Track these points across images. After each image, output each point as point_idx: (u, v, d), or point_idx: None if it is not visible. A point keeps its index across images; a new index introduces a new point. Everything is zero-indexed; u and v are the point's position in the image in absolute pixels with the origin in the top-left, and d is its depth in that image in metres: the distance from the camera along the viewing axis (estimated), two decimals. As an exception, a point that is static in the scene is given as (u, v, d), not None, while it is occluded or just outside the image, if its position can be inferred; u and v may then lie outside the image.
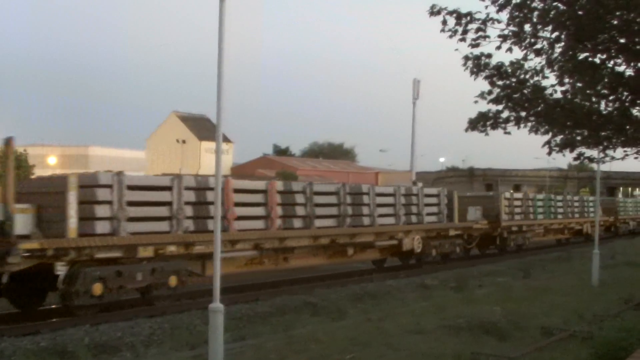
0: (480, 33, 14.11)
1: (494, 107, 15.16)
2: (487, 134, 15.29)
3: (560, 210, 41.98)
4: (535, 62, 14.65)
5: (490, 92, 14.91)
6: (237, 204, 19.12)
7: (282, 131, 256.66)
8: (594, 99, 15.11)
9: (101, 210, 15.84)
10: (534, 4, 13.92)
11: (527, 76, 14.79)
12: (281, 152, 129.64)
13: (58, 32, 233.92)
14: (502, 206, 33.81)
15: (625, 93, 15.03)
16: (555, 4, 13.73)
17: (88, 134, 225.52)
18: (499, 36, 14.14)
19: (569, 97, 14.97)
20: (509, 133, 15.38)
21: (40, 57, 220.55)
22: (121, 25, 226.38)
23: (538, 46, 14.38)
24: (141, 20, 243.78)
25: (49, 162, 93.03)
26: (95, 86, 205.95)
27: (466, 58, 14.60)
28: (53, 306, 17.07)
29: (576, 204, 44.90)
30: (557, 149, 15.96)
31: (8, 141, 15.24)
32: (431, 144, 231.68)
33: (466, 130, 15.41)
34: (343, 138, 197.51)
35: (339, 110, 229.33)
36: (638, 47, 14.30)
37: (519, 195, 38.72)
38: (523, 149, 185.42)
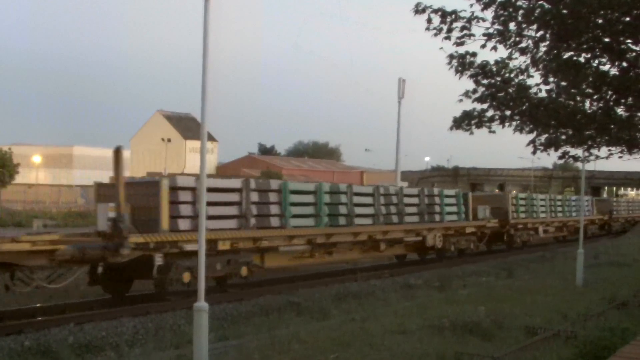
0: (465, 31, 14.12)
1: (478, 106, 15.18)
2: (471, 133, 15.32)
3: (367, 210, 24.54)
4: (519, 61, 14.70)
5: (474, 91, 14.93)
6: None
7: (268, 130, 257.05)
8: (578, 98, 15.15)
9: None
10: (519, 3, 13.94)
11: (512, 75, 14.82)
12: (266, 151, 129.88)
13: (42, 31, 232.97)
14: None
15: (610, 92, 15.08)
16: (539, 2, 13.74)
17: (72, 134, 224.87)
18: (484, 35, 14.16)
19: (554, 96, 15.01)
20: (493, 132, 15.42)
21: (24, 55, 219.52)
22: (107, 23, 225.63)
23: (523, 45, 14.41)
24: (128, 19, 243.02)
25: (33, 161, 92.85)
26: (79, 85, 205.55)
27: (451, 57, 14.61)
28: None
29: (409, 199, 26.90)
30: (541, 148, 16.01)
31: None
32: (416, 144, 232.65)
33: (451, 129, 15.43)
34: (328, 137, 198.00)
35: (324, 109, 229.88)
36: (622, 46, 14.35)
37: (225, 182, 20.14)
38: (508, 148, 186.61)
